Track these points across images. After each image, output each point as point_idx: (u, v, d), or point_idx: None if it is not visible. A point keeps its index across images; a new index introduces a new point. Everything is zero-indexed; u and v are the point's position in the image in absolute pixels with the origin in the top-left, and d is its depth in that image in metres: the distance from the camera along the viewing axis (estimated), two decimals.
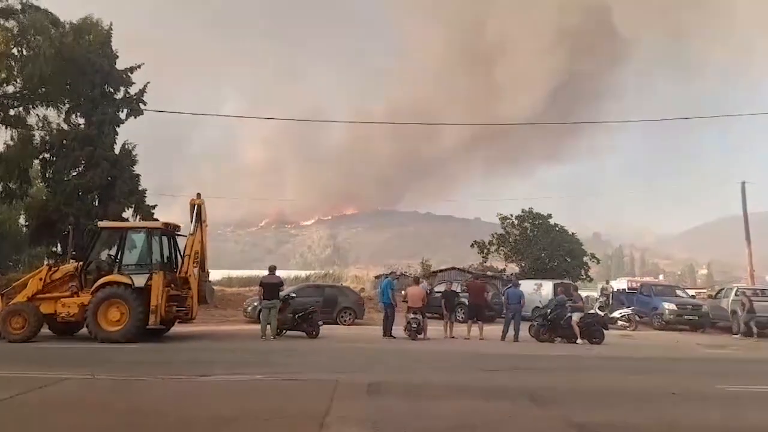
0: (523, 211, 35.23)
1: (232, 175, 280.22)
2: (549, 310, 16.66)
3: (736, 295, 22.33)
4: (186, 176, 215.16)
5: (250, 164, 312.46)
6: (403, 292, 18.26)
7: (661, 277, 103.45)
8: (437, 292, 21.00)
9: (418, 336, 15.78)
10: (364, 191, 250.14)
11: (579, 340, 15.91)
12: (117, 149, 24.05)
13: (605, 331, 16.53)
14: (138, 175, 24.30)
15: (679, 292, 26.02)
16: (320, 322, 16.08)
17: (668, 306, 22.77)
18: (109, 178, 23.07)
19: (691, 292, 28.77)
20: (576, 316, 16.20)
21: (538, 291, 23.88)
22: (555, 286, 23.72)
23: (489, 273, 32.30)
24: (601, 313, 22.79)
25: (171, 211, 29.25)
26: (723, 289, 25.39)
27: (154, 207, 24.41)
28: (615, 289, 28.33)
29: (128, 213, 23.69)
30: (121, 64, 24.27)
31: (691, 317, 22.68)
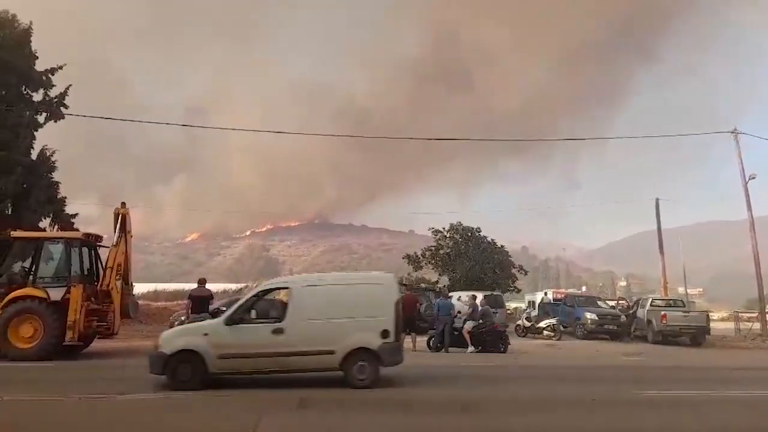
0: (451, 225, 35.96)
1: (175, 184, 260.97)
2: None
3: (651, 305, 23.71)
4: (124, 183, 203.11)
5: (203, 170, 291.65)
6: None
7: (584, 288, 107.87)
8: None
9: None
10: (299, 203, 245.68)
11: (469, 348, 16.24)
12: (35, 155, 22.66)
13: (532, 341, 17.06)
14: (57, 183, 22.96)
15: (600, 303, 27.33)
16: None
17: (590, 316, 23.81)
18: (24, 186, 21.71)
19: (611, 303, 30.20)
20: (469, 325, 16.62)
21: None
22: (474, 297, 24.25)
23: (422, 285, 32.65)
24: (528, 324, 23.72)
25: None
26: (639, 299, 26.84)
27: (74, 216, 23.11)
28: (542, 300, 29.34)
29: (46, 222, 22.33)
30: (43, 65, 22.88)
31: (610, 327, 23.83)
